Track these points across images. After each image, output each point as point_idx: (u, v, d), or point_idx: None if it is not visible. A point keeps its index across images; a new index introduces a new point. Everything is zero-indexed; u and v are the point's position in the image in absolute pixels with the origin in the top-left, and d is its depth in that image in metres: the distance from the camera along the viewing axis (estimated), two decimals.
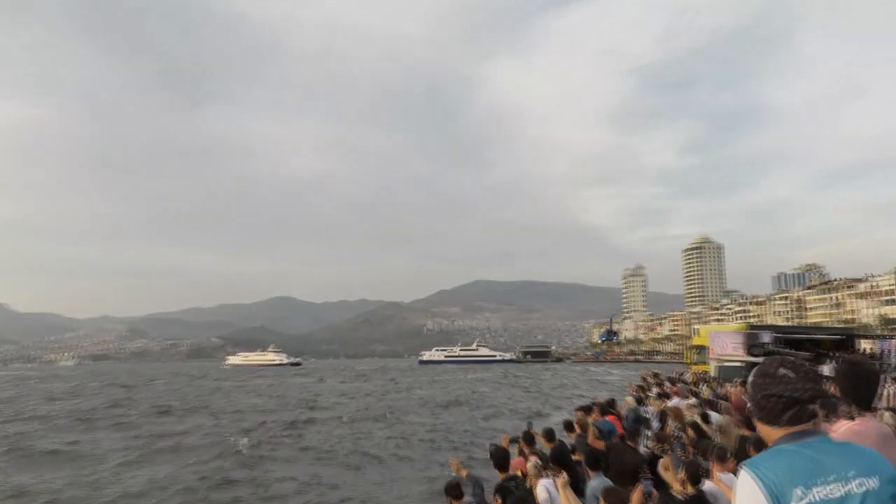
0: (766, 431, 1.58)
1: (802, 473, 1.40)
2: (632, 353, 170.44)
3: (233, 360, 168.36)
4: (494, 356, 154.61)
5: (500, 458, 5.29)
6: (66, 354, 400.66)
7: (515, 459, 5.99)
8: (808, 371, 1.56)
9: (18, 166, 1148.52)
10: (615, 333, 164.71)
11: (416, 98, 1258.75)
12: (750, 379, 1.63)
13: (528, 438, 6.46)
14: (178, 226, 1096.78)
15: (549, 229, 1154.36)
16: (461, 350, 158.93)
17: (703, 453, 5.25)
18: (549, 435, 6.44)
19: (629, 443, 6.33)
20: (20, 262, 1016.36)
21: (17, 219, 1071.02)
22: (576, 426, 7.11)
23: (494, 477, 5.27)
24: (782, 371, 1.56)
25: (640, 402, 10.43)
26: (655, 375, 20.02)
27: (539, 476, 5.01)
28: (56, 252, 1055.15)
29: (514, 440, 6.81)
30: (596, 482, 4.76)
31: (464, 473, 5.76)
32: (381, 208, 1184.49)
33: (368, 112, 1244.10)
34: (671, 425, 7.61)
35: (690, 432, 6.43)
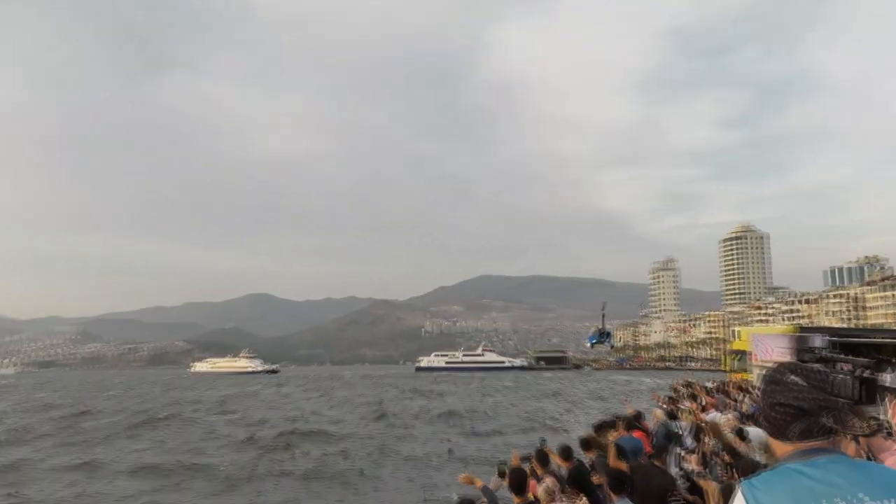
0: (776, 446, 1.59)
1: (804, 497, 1.41)
2: (661, 358, 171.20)
3: (199, 366, 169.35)
4: (503, 362, 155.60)
5: (518, 479, 5.21)
6: (5, 361, 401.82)
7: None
8: (822, 378, 1.53)
9: None
10: (608, 334, 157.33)
11: (415, 67, 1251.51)
12: (760, 386, 1.63)
13: (542, 457, 6.41)
14: (136, 214, 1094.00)
15: (564, 217, 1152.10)
16: (464, 355, 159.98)
17: (748, 473, 5.26)
18: (566, 453, 6.40)
19: (657, 462, 6.30)
20: None
21: None
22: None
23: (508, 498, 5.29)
24: (792, 378, 1.54)
25: (671, 415, 10.43)
26: (688, 385, 20.14)
27: (552, 501, 5.01)
28: None
29: (525, 458, 6.77)
30: None
31: (478, 484, 5.79)
32: (373, 194, 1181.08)
33: (358, 84, 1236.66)
34: (708, 442, 7.63)
35: (726, 457, 6.43)
